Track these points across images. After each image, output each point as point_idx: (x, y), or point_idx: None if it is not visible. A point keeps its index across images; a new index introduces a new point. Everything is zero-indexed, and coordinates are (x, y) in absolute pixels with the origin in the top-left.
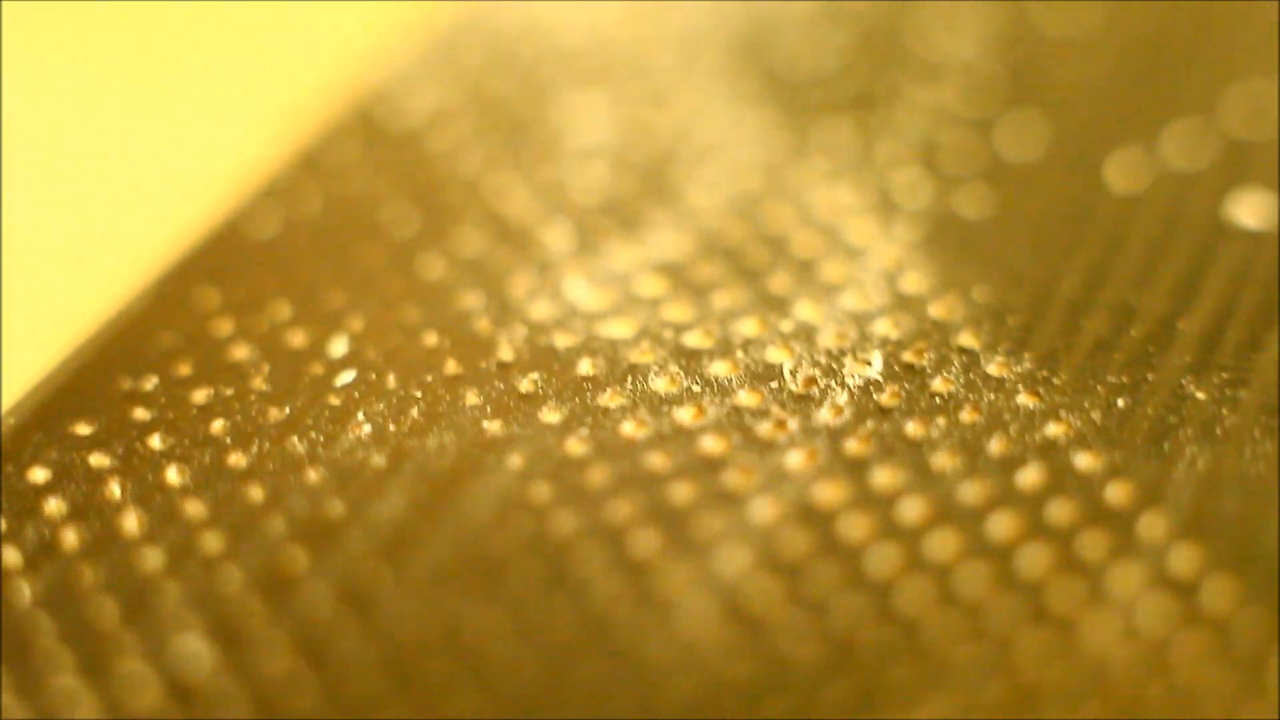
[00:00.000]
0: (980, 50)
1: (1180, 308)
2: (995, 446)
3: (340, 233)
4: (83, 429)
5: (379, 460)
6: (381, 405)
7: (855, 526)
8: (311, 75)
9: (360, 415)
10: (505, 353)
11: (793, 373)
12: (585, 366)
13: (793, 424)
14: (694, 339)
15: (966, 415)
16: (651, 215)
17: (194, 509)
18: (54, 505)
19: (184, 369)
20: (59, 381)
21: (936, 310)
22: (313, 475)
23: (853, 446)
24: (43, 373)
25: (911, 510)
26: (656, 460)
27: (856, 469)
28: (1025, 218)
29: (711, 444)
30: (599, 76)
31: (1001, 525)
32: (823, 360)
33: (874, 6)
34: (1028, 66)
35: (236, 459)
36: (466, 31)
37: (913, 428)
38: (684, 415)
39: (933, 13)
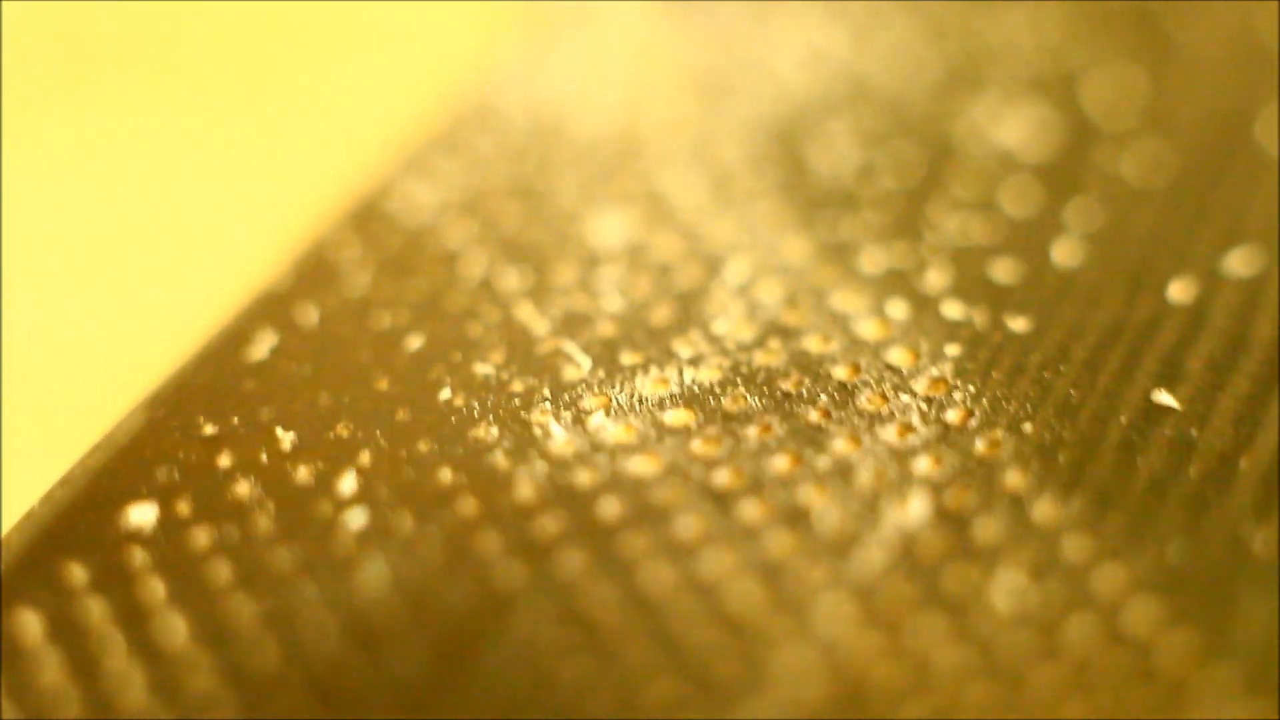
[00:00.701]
0: (1030, 159)
1: (1243, 443)
2: (1038, 596)
3: (342, 351)
4: (78, 572)
5: (398, 608)
6: (397, 549)
7: (887, 683)
8: (311, 175)
9: (375, 559)
10: (525, 491)
11: (826, 518)
12: (609, 507)
13: (824, 574)
14: (723, 477)
15: (1009, 562)
16: (679, 336)
17: (204, 664)
18: (52, 659)
19: (184, 507)
20: (48, 518)
21: (982, 445)
22: (329, 626)
23: (888, 598)
24: (30, 506)
25: (948, 666)
26: (682, 610)
27: (891, 626)
28: (1080, 337)
29: (739, 596)
30: (617, 186)
31: (1044, 681)
32: (857, 504)
33: (921, 118)
34: (1082, 177)
35: (247, 607)
36: (472, 128)
37: (951, 578)
38: (712, 563)
39: (985, 118)
